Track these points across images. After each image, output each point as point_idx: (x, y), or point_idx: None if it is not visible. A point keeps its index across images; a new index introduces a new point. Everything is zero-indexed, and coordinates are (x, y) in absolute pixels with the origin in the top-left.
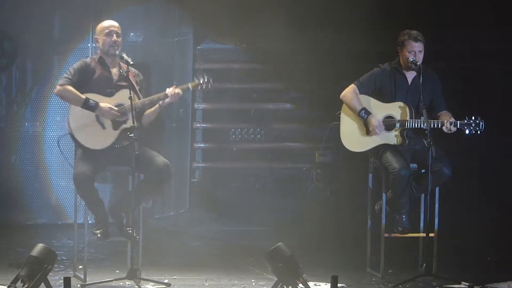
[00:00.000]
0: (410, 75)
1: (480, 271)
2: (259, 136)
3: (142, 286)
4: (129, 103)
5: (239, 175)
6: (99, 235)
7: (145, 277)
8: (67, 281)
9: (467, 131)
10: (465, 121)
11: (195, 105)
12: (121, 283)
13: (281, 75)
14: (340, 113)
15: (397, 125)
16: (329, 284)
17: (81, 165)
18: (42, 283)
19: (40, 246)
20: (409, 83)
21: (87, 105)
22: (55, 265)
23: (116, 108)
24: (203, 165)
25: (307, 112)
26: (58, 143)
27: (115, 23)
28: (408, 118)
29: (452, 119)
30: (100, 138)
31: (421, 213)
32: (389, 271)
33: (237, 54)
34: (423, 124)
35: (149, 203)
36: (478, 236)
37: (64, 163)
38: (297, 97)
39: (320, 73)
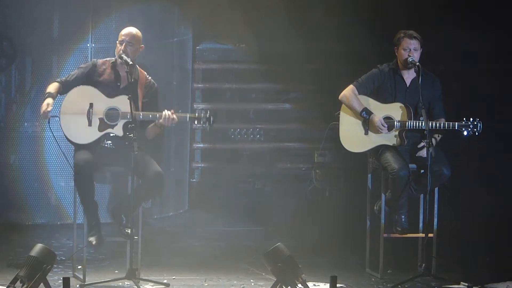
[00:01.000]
0: (409, 76)
1: (479, 271)
2: (258, 136)
3: (141, 286)
4: (124, 110)
5: (238, 176)
6: (94, 242)
7: (144, 277)
8: (66, 281)
9: (465, 132)
10: (463, 122)
11: (194, 105)
12: (120, 283)
13: (280, 76)
14: (339, 114)
15: (397, 125)
16: (328, 284)
17: (81, 154)
18: (41, 284)
19: (39, 246)
20: (408, 84)
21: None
22: (54, 265)
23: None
24: (202, 165)
25: (306, 113)
26: (49, 124)
27: (132, 31)
28: (407, 118)
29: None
30: (81, 133)
31: (420, 213)
32: (388, 271)
33: (236, 54)
34: (422, 125)
35: (148, 203)
36: (477, 236)
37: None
38: (296, 97)
39: (319, 73)
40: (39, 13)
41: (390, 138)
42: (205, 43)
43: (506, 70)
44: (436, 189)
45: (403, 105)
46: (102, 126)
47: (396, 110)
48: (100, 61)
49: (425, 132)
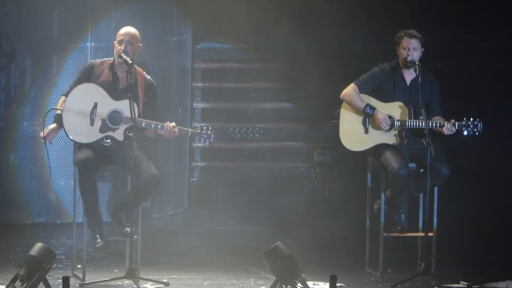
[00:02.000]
0: (409, 75)
1: (478, 271)
2: (257, 135)
3: (140, 286)
4: (128, 115)
5: (237, 175)
6: (101, 246)
7: (143, 277)
8: (66, 281)
9: (465, 132)
10: (464, 122)
11: (193, 105)
12: (120, 283)
13: (279, 75)
14: (339, 112)
15: (397, 124)
16: (328, 283)
17: (83, 152)
18: (41, 283)
19: (39, 245)
20: (408, 83)
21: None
22: (54, 265)
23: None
24: (202, 164)
25: (305, 112)
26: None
27: (131, 31)
28: (407, 118)
29: (451, 121)
30: (81, 132)
31: (420, 212)
32: (388, 271)
33: (236, 54)
34: (422, 124)
35: (148, 202)
36: (477, 235)
37: (64, 162)
38: (296, 96)
39: (319, 72)
40: (39, 12)
41: (390, 137)
42: (205, 42)
43: (507, 69)
44: (436, 188)
45: (403, 104)
46: (104, 128)
47: (396, 109)
48: (98, 61)
49: (424, 131)
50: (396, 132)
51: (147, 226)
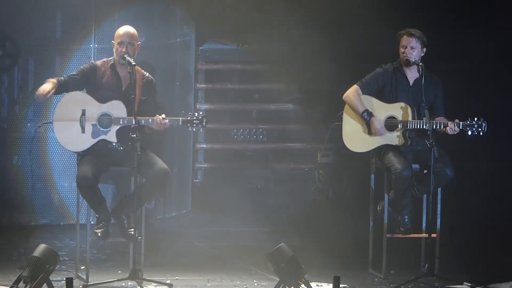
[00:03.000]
0: (412, 75)
1: (482, 272)
2: (261, 136)
3: (144, 287)
4: (116, 115)
5: (241, 176)
6: (99, 234)
7: (147, 278)
8: (69, 282)
9: (469, 132)
10: (468, 122)
11: (197, 106)
12: (123, 284)
13: (283, 76)
14: (342, 114)
15: (399, 125)
16: (331, 284)
17: (83, 168)
18: (44, 284)
19: (42, 246)
20: (411, 84)
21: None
22: (57, 266)
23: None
24: (205, 165)
25: (309, 113)
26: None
27: (130, 31)
28: (410, 118)
29: (455, 121)
30: (74, 141)
31: (423, 213)
32: (391, 272)
33: (239, 55)
34: (425, 125)
35: (151, 204)
36: (481, 236)
37: (67, 164)
38: (299, 97)
39: (322, 73)
40: (42, 13)
41: (393, 138)
42: (208, 43)
43: (510, 69)
44: (439, 189)
45: (406, 105)
46: (95, 132)
47: (399, 110)
48: (98, 63)
49: (428, 132)
50: (399, 133)
51: (150, 227)
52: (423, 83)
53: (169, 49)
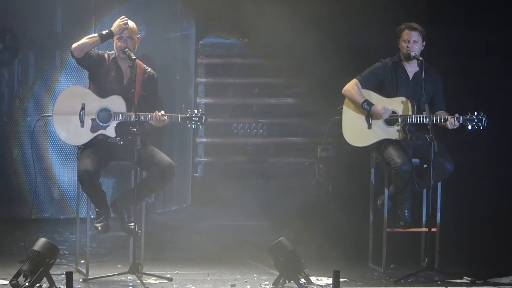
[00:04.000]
0: (411, 69)
1: (482, 266)
2: (261, 130)
3: (144, 281)
4: (116, 110)
5: (241, 170)
6: (99, 228)
7: (147, 272)
8: (69, 276)
9: (469, 127)
10: (468, 116)
11: (197, 100)
12: (123, 278)
13: (283, 70)
14: (342, 108)
15: (399, 120)
16: (331, 278)
17: (85, 162)
18: (44, 278)
19: (42, 240)
20: (411, 78)
21: (104, 36)
22: (57, 260)
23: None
24: (205, 159)
25: (309, 107)
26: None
27: (129, 25)
28: (410, 113)
29: (455, 116)
30: (73, 135)
31: (423, 208)
32: (391, 266)
33: (240, 49)
34: (425, 119)
35: (151, 198)
36: (481, 231)
37: (67, 158)
38: (299, 91)
39: (322, 67)
40: (42, 7)
41: (393, 133)
42: (208, 37)
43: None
44: (439, 183)
45: (406, 99)
46: (95, 127)
47: (399, 104)
48: (105, 54)
49: (428, 126)
50: (399, 127)
51: (150, 221)
52: (423, 77)
53: (169, 43)
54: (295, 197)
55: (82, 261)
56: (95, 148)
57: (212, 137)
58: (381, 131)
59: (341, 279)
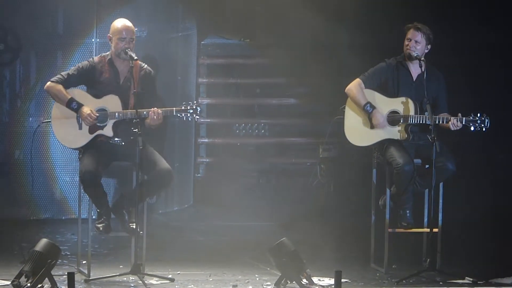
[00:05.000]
0: (415, 70)
1: (484, 266)
2: (263, 131)
3: (146, 281)
4: (112, 110)
5: (243, 170)
6: (101, 229)
7: (149, 272)
8: (71, 276)
9: (472, 128)
10: (471, 117)
11: (199, 100)
12: (125, 278)
13: (284, 70)
14: (344, 108)
15: (402, 120)
16: (333, 279)
17: (86, 163)
18: (46, 278)
19: (44, 241)
20: (414, 79)
21: (70, 106)
22: (59, 260)
23: (94, 114)
24: (207, 160)
25: (311, 107)
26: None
27: (130, 26)
28: (412, 113)
29: (458, 116)
30: (72, 138)
31: (425, 208)
32: (393, 266)
33: (241, 49)
34: (428, 120)
35: (153, 199)
36: (482, 231)
37: (69, 158)
38: (301, 92)
39: (324, 67)
40: (44, 7)
41: (395, 133)
42: (210, 38)
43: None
44: (441, 184)
45: (409, 100)
46: (92, 128)
47: (401, 105)
48: (96, 59)
49: (430, 127)
50: (401, 127)
51: (152, 222)
52: (425, 78)
53: (171, 44)
54: (297, 197)
55: (84, 262)
56: (97, 149)
57: (214, 137)
58: (383, 131)
59: (342, 280)
